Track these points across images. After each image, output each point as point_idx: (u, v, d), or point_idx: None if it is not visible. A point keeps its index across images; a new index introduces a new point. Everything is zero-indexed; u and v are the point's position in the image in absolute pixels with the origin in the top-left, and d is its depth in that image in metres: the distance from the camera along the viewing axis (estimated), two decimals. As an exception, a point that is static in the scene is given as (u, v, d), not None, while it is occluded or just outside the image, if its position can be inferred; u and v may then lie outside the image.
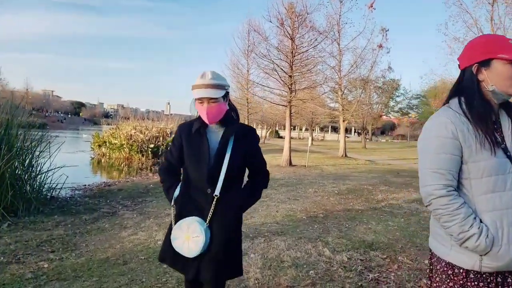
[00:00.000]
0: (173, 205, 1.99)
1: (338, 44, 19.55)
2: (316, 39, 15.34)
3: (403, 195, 8.33)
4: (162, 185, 2.13)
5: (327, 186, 9.28)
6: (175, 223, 1.92)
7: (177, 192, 2.01)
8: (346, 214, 6.19)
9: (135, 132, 18.07)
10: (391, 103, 53.94)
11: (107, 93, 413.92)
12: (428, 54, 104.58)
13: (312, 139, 21.47)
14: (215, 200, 1.87)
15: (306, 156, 16.11)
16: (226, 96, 1.94)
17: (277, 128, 61.28)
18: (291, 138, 16.35)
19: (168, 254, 1.97)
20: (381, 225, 5.45)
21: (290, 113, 16.00)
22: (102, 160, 17.33)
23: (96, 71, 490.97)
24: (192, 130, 1.97)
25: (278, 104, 18.42)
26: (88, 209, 6.39)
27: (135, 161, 16.89)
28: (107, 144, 18.14)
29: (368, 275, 3.52)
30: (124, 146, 17.53)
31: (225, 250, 1.90)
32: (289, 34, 14.67)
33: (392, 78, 44.31)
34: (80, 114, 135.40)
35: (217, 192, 1.87)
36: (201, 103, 1.88)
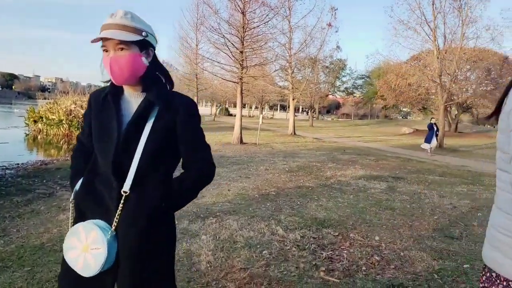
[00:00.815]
0: (72, 201, 1.44)
1: (289, 22, 19.49)
2: (267, 15, 15.09)
3: (350, 172, 8.56)
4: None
5: (278, 164, 9.30)
6: (71, 226, 1.38)
7: (79, 183, 1.45)
8: (297, 191, 6.21)
9: (75, 107, 16.89)
10: (337, 83, 55.66)
11: (44, 65, 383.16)
12: (376, 35, 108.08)
13: (263, 117, 21.50)
14: (123, 198, 1.32)
15: (256, 134, 16.08)
16: (145, 46, 1.36)
17: (227, 106, 60.75)
18: (242, 116, 16.18)
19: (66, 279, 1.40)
20: (332, 202, 5.52)
21: (241, 90, 15.77)
22: (39, 137, 16.07)
23: (30, 40, 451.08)
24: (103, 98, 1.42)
25: (229, 81, 18.05)
26: (21, 190, 5.80)
27: (76, 138, 15.83)
28: (44, 119, 16.82)
29: (322, 253, 3.51)
30: (63, 122, 16.37)
31: (135, 271, 1.34)
32: (240, 8, 14.24)
33: (339, 58, 45.50)
34: (13, 87, 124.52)
35: (126, 187, 1.32)
36: (105, 51, 1.31)
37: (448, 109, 23.56)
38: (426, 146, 15.48)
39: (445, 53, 18.59)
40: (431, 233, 4.28)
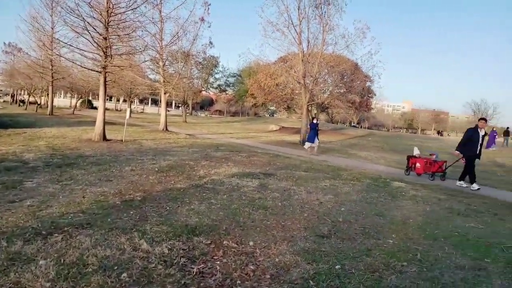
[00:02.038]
0: None
1: (160, 11, 18.45)
2: (135, 1, 13.87)
3: (223, 169, 8.35)
4: None
5: (146, 163, 8.52)
6: None
7: None
8: (167, 194, 5.65)
9: None
10: (211, 79, 56.03)
11: None
12: (249, 34, 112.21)
13: (131, 112, 19.92)
14: None
15: (123, 129, 14.73)
16: None
17: (90, 98, 55.16)
18: (106, 109, 14.59)
19: None
20: (204, 205, 5.14)
21: (105, 81, 14.19)
22: None
23: None
24: None
25: (91, 70, 16.10)
26: None
27: None
28: None
29: (192, 268, 3.08)
30: None
31: None
32: (103, -11, 12.73)
33: (212, 55, 45.81)
34: None
35: None
36: None
37: (309, 108, 25.72)
38: (309, 145, 15.91)
39: (309, 56, 20.13)
40: (303, 232, 4.26)
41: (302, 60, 19.75)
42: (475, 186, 8.98)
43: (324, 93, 26.96)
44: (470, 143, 9.17)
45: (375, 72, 29.67)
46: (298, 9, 19.14)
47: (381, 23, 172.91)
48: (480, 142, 9.14)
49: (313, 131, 15.79)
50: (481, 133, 9.17)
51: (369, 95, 38.40)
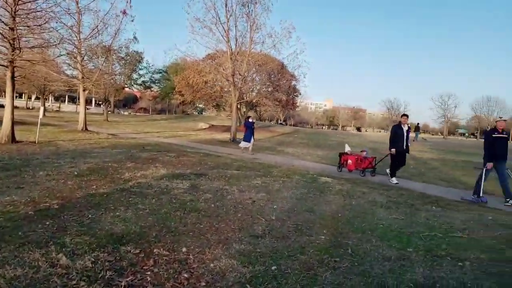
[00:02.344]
0: None
1: (77, 2, 17.07)
2: (47, -11, 12.60)
3: (151, 171, 7.95)
4: None
5: (64, 167, 7.78)
6: None
7: None
8: (88, 200, 5.18)
9: None
10: (134, 76, 53.58)
11: None
12: (176, 30, 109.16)
13: (45, 110, 18.16)
14: None
15: (36, 130, 13.36)
16: None
17: (-5, 95, 49.34)
18: (14, 107, 13.09)
19: None
20: (131, 210, 4.81)
21: (13, 76, 12.73)
22: None
23: None
24: None
25: (-6, 63, 14.31)
26: None
27: None
28: None
29: (120, 282, 2.82)
30: None
31: None
32: (7, -27, 11.36)
33: (136, 50, 43.79)
34: None
35: None
36: None
37: (239, 106, 25.82)
38: (245, 144, 15.56)
39: (237, 54, 20.15)
40: (238, 234, 4.17)
41: (231, 58, 19.72)
42: (394, 180, 9.66)
43: (252, 91, 27.26)
44: (396, 138, 9.74)
45: (301, 71, 30.82)
46: (226, 6, 19.08)
47: (305, 23, 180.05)
48: (405, 136, 9.76)
49: (249, 130, 15.46)
50: (405, 128, 9.80)
51: (295, 94, 39.78)
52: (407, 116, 10.11)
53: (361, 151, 12.15)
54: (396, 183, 9.49)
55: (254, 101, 28.66)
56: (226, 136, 22.40)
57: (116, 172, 7.61)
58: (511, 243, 4.49)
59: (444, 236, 4.62)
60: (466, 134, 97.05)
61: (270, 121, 78.56)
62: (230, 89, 21.54)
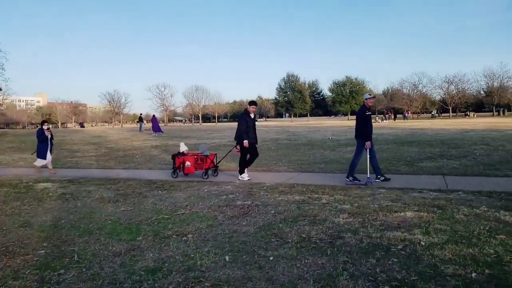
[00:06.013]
0: None
1: None
2: None
3: None
4: None
5: None
6: None
7: None
8: None
9: None
10: None
11: None
12: None
13: None
14: None
15: None
16: None
17: None
18: None
19: None
20: None
21: None
22: None
23: None
24: None
25: None
26: None
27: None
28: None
29: None
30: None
31: None
32: None
33: None
34: None
35: None
36: None
37: None
38: (41, 162, 10.77)
39: None
40: None
41: None
42: (245, 176, 8.25)
43: None
44: (247, 129, 8.27)
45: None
46: None
47: None
48: (255, 126, 8.57)
49: (45, 142, 10.76)
50: (252, 117, 8.55)
51: (-7, 89, 32.70)
52: (255, 104, 8.78)
53: (196, 149, 10.65)
54: (249, 179, 8.12)
55: None
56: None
57: None
58: (221, 208, 5.35)
59: (170, 216, 4.98)
60: (184, 120, 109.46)
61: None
62: None
